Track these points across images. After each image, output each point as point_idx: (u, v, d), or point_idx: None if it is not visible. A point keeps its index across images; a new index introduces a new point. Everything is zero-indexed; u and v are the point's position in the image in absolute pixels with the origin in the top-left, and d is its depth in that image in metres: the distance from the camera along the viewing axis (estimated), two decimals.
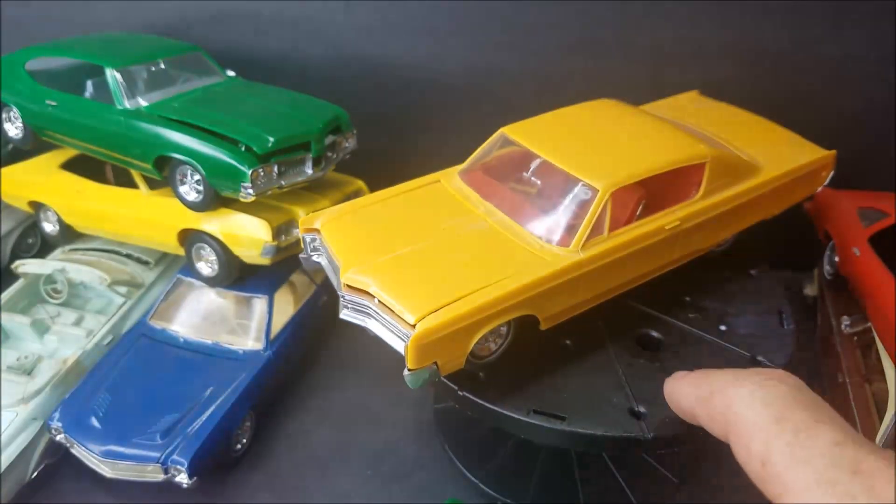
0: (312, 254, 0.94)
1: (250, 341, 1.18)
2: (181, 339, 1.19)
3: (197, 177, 1.14)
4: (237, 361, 1.14)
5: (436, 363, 0.76)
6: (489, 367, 0.85)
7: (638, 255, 0.88)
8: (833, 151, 1.08)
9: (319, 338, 1.34)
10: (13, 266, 1.30)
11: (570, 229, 0.84)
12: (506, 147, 0.98)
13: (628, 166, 0.88)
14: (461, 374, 0.82)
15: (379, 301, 0.77)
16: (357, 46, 1.49)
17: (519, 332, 0.85)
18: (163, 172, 1.18)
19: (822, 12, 1.29)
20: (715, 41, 1.35)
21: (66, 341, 1.20)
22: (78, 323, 1.23)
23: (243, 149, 1.11)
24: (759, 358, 0.89)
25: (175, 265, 1.36)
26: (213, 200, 1.15)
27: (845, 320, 1.16)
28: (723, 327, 0.95)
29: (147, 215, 1.24)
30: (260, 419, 1.15)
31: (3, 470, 0.98)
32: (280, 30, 1.50)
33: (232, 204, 1.17)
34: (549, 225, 0.85)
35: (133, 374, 1.12)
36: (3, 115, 1.35)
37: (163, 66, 1.27)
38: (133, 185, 1.28)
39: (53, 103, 1.26)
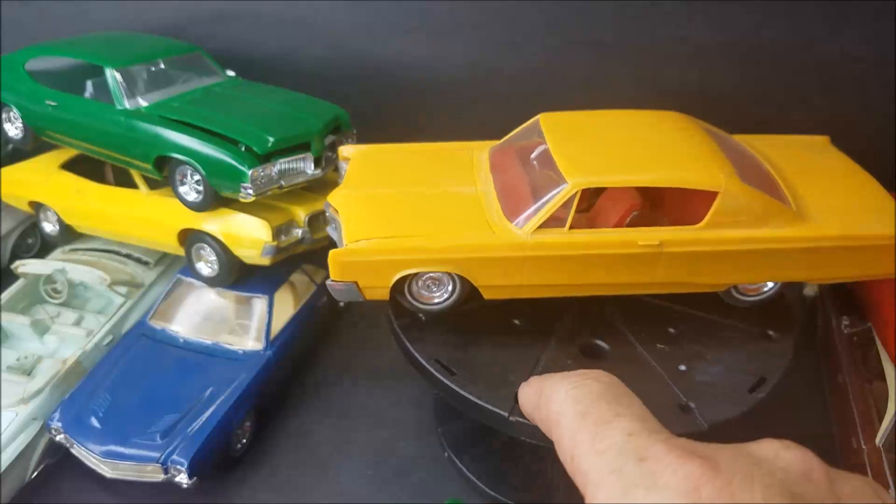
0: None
1: (250, 341, 1.18)
2: (181, 340, 1.19)
3: (197, 177, 1.14)
4: (237, 361, 1.14)
5: (356, 283, 0.87)
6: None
7: (602, 260, 0.86)
8: None
9: (319, 338, 1.34)
10: (13, 266, 1.30)
11: (531, 214, 0.85)
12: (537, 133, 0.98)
13: (611, 172, 0.86)
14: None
15: (341, 220, 0.90)
16: (357, 46, 1.49)
17: (472, 296, 0.90)
18: (163, 172, 1.18)
19: (822, 12, 1.30)
20: (715, 41, 1.36)
21: (66, 341, 1.20)
22: (78, 323, 1.24)
23: (243, 149, 1.11)
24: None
25: (175, 265, 1.36)
26: (213, 200, 1.15)
27: (845, 320, 1.16)
28: (682, 368, 0.88)
29: (147, 215, 1.25)
30: (260, 419, 1.15)
31: (3, 470, 0.98)
32: (280, 30, 1.50)
33: (232, 204, 1.17)
34: (519, 206, 0.87)
35: (133, 375, 1.12)
36: (3, 115, 1.35)
37: (163, 66, 1.27)
38: (133, 185, 1.28)
39: (53, 103, 1.26)
